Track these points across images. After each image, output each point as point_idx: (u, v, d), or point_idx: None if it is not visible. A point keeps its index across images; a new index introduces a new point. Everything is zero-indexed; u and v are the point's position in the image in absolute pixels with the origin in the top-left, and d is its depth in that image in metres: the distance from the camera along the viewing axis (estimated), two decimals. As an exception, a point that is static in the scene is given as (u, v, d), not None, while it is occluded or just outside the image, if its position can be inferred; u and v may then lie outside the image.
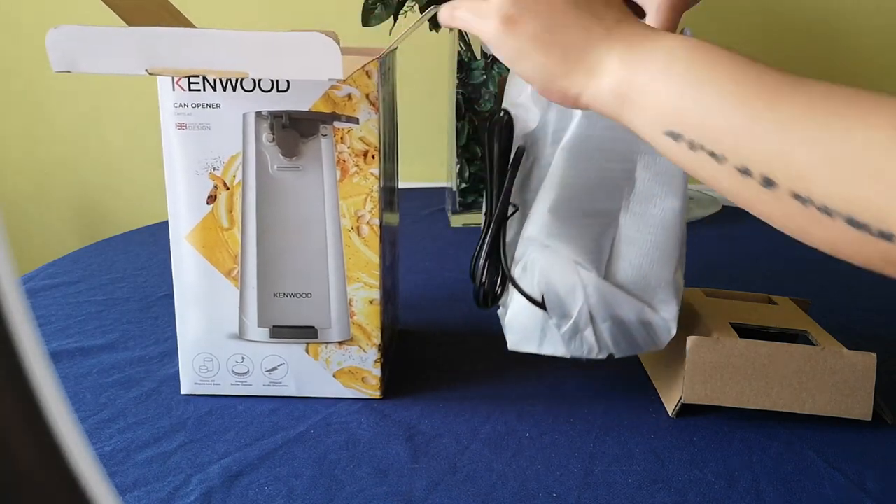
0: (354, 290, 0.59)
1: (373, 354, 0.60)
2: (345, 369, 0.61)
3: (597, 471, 0.53)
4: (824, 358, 0.57)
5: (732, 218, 1.10)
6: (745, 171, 0.38)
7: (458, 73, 1.01)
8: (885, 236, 0.33)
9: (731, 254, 0.97)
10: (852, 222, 0.34)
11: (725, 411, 0.60)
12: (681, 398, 0.58)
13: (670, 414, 0.60)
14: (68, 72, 0.49)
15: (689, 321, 0.65)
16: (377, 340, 0.60)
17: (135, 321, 0.75)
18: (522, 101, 0.59)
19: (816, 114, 0.36)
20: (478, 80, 1.01)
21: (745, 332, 0.61)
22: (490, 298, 0.60)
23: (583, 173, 0.58)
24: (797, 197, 0.36)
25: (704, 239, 1.02)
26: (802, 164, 0.35)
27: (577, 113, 0.57)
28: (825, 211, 0.35)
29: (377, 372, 0.61)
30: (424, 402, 0.61)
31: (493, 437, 0.57)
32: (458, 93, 1.01)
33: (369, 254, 0.58)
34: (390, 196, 0.65)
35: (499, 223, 0.59)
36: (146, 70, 0.49)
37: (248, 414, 0.59)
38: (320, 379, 0.61)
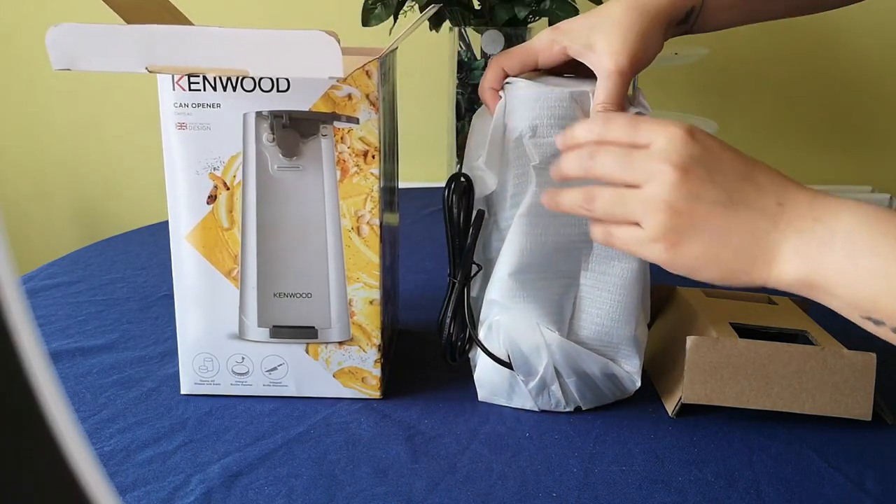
0: (354, 290, 0.59)
1: (373, 354, 0.60)
2: (345, 369, 0.61)
3: (597, 471, 0.53)
4: (824, 358, 0.57)
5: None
6: None
7: (458, 73, 1.01)
8: None
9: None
10: None
11: (725, 411, 0.60)
12: (680, 398, 0.58)
13: (670, 414, 0.60)
14: (68, 69, 0.49)
15: (689, 321, 0.64)
16: (377, 340, 0.60)
17: (135, 321, 0.75)
18: (480, 165, 0.60)
19: None
20: (478, 80, 1.00)
21: (745, 332, 0.61)
22: (458, 353, 0.62)
23: (541, 238, 0.58)
24: None
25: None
26: None
27: (533, 180, 0.58)
28: None
29: (377, 372, 0.61)
30: (424, 402, 0.61)
31: (492, 437, 0.57)
32: (457, 93, 1.01)
33: (369, 254, 0.58)
34: (390, 196, 0.65)
35: (463, 284, 0.60)
36: (146, 68, 0.49)
37: (248, 414, 0.59)
38: (320, 379, 0.61)
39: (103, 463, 0.54)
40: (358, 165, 0.57)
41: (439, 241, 1.01)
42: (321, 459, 0.54)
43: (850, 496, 0.51)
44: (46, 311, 0.77)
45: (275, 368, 0.61)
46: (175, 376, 0.63)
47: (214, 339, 0.60)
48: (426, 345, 0.71)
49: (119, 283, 0.85)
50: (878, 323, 0.41)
